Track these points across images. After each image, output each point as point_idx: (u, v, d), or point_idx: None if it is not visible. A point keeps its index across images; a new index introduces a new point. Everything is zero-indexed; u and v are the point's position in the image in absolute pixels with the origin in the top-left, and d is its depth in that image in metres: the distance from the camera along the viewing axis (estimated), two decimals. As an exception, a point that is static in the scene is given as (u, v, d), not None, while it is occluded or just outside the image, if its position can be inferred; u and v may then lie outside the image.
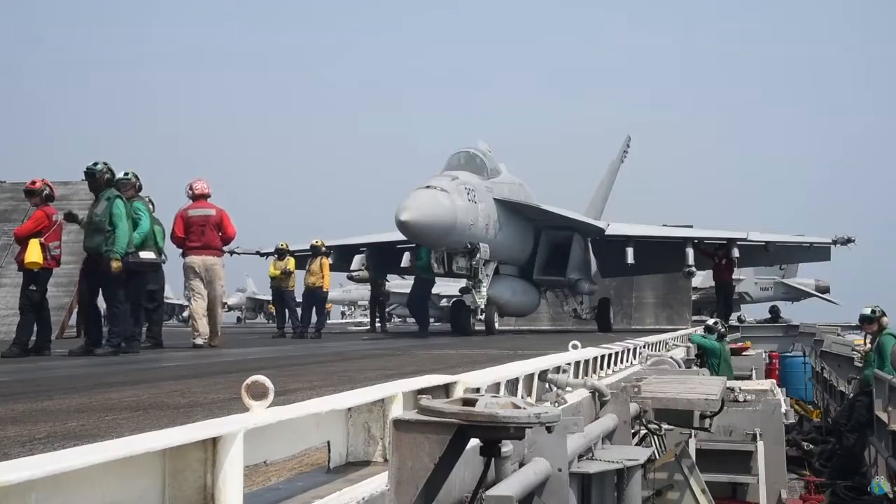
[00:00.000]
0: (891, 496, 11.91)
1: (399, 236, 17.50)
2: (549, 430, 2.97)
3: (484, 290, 16.72)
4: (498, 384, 4.23)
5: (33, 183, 10.42)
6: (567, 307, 22.90)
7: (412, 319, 26.39)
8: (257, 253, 26.09)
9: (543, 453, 3.59)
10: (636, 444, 6.47)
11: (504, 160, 19.33)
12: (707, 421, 7.04)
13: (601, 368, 7.64)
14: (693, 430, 8.04)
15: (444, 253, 16.58)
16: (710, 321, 17.75)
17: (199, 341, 11.92)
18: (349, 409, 3.22)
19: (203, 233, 12.36)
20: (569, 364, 5.95)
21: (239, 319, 61.30)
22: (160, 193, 13.46)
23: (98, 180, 9.99)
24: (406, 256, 22.87)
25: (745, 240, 22.86)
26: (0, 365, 7.97)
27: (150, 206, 11.79)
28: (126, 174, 11.09)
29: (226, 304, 65.21)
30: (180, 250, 12.49)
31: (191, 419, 3.08)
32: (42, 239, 9.93)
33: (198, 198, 12.54)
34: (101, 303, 10.41)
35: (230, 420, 2.28)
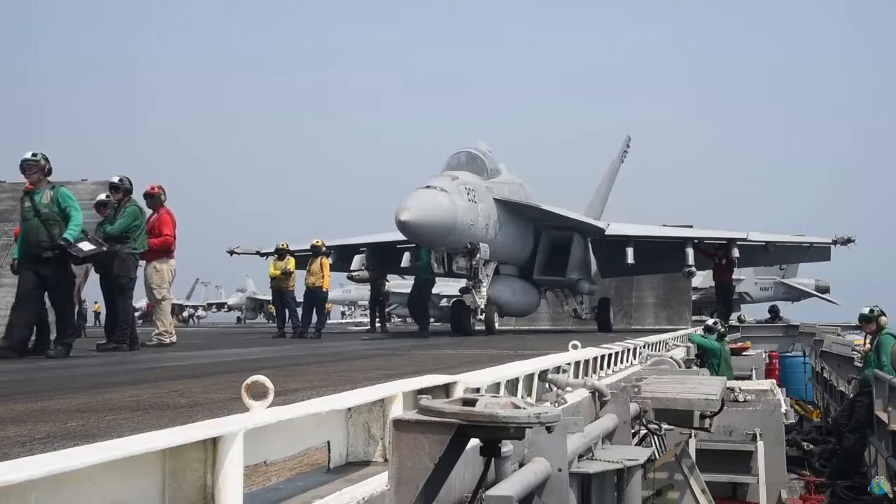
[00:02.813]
0: (891, 496, 11.90)
1: (399, 236, 17.48)
2: (549, 430, 2.97)
3: (484, 290, 16.71)
4: (498, 384, 4.23)
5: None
6: (567, 307, 22.89)
7: (412, 319, 26.35)
8: (257, 253, 26.04)
9: (543, 453, 3.59)
10: (636, 444, 6.47)
11: (504, 160, 19.35)
12: (707, 421, 7.03)
13: (601, 368, 7.64)
14: (693, 430, 8.05)
15: (444, 253, 16.57)
16: (710, 321, 17.76)
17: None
18: (349, 409, 3.22)
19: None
20: (569, 364, 5.95)
21: (239, 319, 61.46)
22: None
23: None
24: (406, 256, 22.91)
25: (745, 240, 22.87)
26: (0, 365, 7.96)
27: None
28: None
29: (225, 303, 65.68)
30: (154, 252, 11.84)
31: (191, 419, 3.08)
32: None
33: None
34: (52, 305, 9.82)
35: (230, 420, 2.28)
